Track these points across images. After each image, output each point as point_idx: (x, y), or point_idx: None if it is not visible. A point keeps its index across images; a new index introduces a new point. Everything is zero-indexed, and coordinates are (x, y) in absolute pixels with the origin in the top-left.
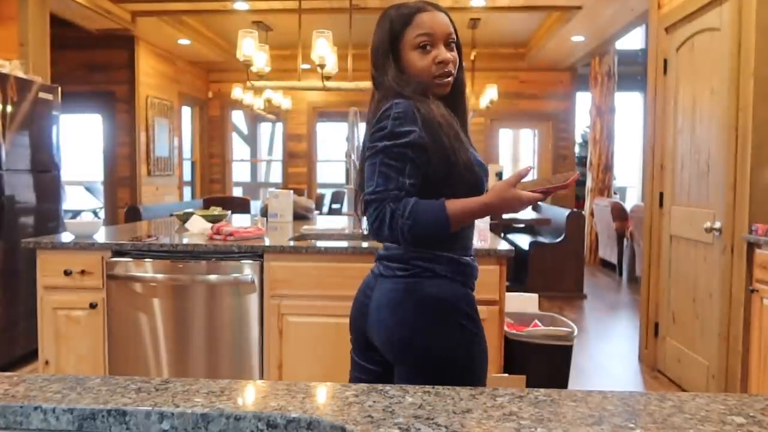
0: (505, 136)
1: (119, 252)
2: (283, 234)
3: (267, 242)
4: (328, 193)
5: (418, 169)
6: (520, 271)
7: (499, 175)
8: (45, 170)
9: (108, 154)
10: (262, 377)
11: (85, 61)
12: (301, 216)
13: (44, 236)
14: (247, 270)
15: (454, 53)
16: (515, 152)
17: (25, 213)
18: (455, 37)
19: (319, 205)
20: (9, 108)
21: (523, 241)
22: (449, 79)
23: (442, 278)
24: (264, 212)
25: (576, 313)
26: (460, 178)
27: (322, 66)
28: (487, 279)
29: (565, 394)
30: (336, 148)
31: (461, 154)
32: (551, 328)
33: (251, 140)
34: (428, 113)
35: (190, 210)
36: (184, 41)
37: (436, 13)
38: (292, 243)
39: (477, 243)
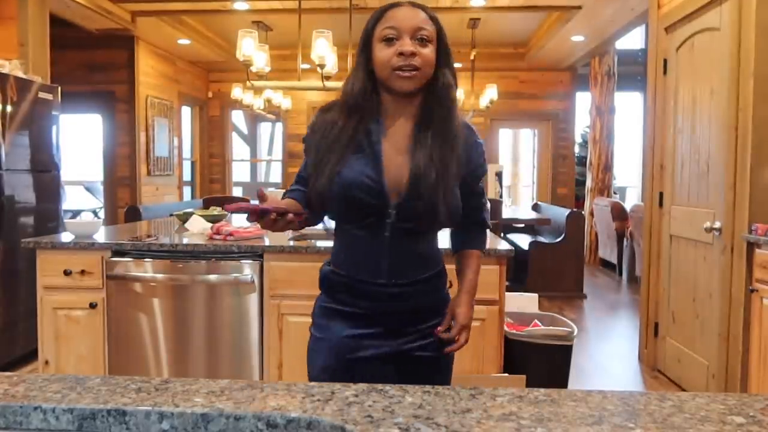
0: (505, 136)
1: (119, 252)
2: (282, 234)
3: (267, 242)
4: None
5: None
6: (520, 271)
7: (499, 175)
8: (45, 170)
9: (108, 154)
10: (262, 377)
11: (85, 61)
12: None
13: (44, 236)
14: (247, 270)
15: (427, 50)
16: (515, 152)
17: (25, 213)
18: (429, 33)
19: None
20: (9, 108)
21: (523, 241)
22: (414, 72)
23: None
24: None
25: (576, 313)
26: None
27: (322, 66)
28: (487, 279)
29: (565, 393)
30: None
31: (319, 180)
32: (551, 327)
33: (251, 140)
34: (317, 126)
35: (189, 210)
36: (184, 41)
37: (409, 9)
38: (291, 243)
39: None
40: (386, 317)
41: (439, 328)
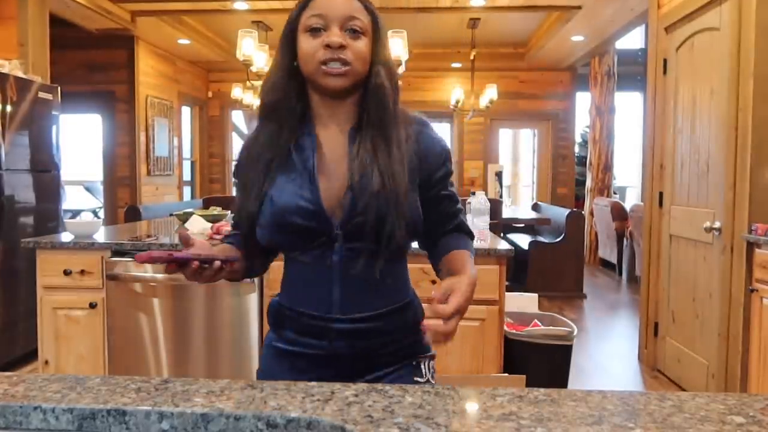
0: (504, 135)
1: (119, 252)
2: None
3: None
4: None
5: None
6: (520, 271)
7: (499, 175)
8: (45, 170)
9: (108, 154)
10: None
11: (85, 61)
12: None
13: (44, 236)
14: None
15: (360, 43)
16: (515, 152)
17: (25, 213)
18: (363, 24)
19: None
20: (9, 108)
21: (523, 240)
22: (344, 68)
23: None
24: None
25: (576, 313)
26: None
27: None
28: (487, 279)
29: (565, 393)
30: None
31: (247, 204)
32: (551, 327)
33: None
34: (247, 142)
35: (189, 210)
36: (183, 41)
37: None
38: None
39: (477, 242)
40: (339, 360)
41: (435, 294)
